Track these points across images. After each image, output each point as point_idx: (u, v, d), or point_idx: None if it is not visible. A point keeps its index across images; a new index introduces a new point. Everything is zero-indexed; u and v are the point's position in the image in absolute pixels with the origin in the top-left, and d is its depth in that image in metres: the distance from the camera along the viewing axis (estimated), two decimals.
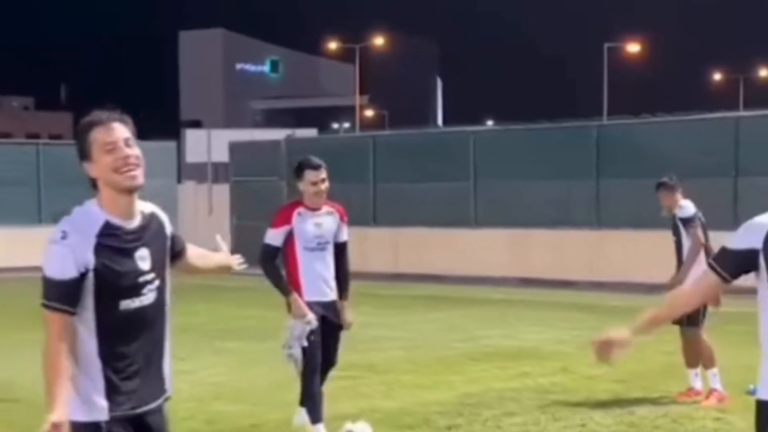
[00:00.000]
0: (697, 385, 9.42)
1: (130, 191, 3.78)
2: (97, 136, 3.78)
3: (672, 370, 10.79)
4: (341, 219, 7.68)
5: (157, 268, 3.87)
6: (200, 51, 76.98)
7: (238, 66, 79.41)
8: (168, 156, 27.35)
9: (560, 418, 8.65)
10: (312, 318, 7.43)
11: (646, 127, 21.58)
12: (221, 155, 29.10)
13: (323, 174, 7.50)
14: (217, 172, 33.92)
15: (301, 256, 7.49)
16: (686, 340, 9.50)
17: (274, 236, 7.57)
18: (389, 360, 10.69)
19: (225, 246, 4.66)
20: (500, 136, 24.17)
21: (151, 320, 3.84)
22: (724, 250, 4.10)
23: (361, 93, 63.35)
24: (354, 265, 8.20)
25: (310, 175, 7.48)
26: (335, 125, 66.80)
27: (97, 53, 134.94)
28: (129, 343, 3.79)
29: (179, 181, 31.31)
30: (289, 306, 7.55)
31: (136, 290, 3.78)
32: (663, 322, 4.43)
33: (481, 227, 22.25)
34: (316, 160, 7.59)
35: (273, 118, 65.51)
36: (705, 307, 9.05)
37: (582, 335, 13.61)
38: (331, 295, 7.65)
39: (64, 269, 3.65)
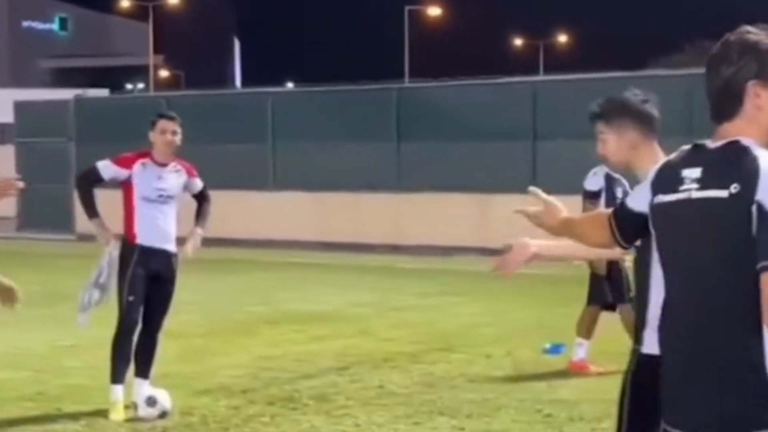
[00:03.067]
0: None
1: None
2: None
3: (468, 331, 10.82)
4: (189, 174, 7.60)
5: None
6: None
7: (24, 24, 75.94)
8: None
9: (358, 380, 8.47)
10: (114, 247, 7.33)
11: (446, 90, 21.61)
12: (7, 116, 27.71)
13: (176, 126, 7.42)
14: (3, 134, 32.43)
15: (139, 205, 7.36)
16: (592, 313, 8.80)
17: (106, 167, 7.45)
18: (183, 324, 10.30)
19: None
20: (300, 98, 23.84)
21: None
22: None
23: (156, 53, 61.66)
24: None
25: (162, 123, 7.41)
26: (129, 86, 64.69)
27: None
28: None
29: None
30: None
31: None
32: None
33: (280, 190, 21.89)
34: (171, 113, 7.66)
35: (63, 78, 62.88)
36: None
37: (380, 298, 13.54)
38: (169, 246, 7.49)
39: None
